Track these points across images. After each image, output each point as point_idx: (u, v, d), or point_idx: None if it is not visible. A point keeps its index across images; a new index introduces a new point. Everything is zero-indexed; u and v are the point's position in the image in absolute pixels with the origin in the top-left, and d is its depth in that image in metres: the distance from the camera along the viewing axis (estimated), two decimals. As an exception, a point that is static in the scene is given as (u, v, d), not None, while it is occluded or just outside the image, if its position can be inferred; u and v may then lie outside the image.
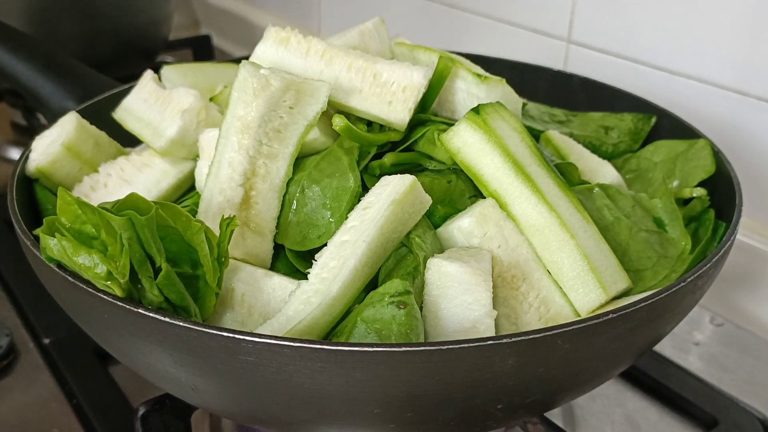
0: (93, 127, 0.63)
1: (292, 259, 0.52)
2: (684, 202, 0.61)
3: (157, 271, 0.45)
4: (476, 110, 0.54)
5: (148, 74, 0.64)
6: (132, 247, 0.44)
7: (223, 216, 0.47)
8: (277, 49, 0.58)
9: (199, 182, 0.58)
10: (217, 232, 0.47)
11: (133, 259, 0.44)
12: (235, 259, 0.51)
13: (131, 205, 0.46)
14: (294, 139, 0.53)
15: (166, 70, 0.70)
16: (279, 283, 0.49)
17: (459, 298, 0.47)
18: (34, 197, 0.60)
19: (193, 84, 0.69)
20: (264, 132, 0.52)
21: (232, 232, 0.47)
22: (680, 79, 0.81)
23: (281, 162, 0.53)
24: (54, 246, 0.45)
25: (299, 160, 0.55)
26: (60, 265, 0.45)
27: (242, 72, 0.53)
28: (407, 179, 0.50)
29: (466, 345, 0.39)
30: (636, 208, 0.57)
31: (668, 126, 0.69)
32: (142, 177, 0.60)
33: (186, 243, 0.46)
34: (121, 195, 0.58)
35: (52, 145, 0.59)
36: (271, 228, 0.53)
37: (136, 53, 1.15)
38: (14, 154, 1.08)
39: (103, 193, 0.59)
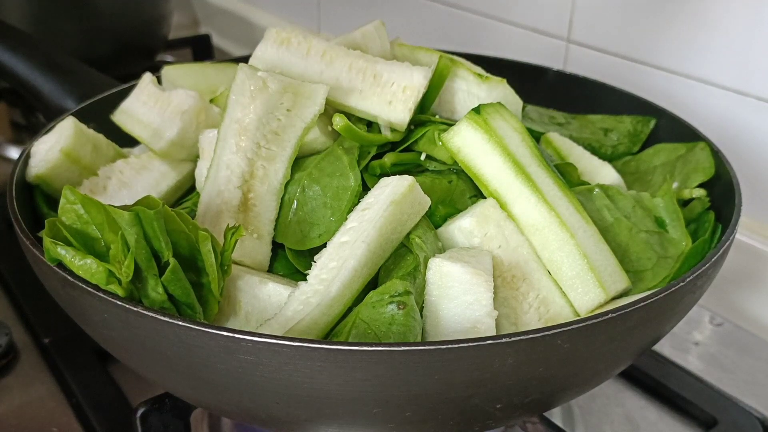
0: (91, 131, 0.63)
1: (292, 258, 0.52)
2: (684, 204, 0.61)
3: (162, 268, 0.45)
4: (477, 110, 0.54)
5: (147, 77, 0.64)
6: (138, 244, 0.44)
7: (228, 225, 0.47)
8: (278, 49, 0.58)
9: (199, 183, 0.58)
10: (216, 234, 0.47)
11: (139, 257, 0.44)
12: (233, 261, 0.51)
13: (141, 204, 0.46)
14: (292, 141, 0.53)
15: (166, 70, 0.70)
16: (274, 290, 0.49)
17: (460, 298, 0.47)
18: (33, 197, 0.60)
19: (194, 84, 0.69)
20: (262, 134, 0.53)
21: (236, 241, 0.47)
22: (680, 79, 0.81)
23: (279, 164, 0.53)
24: (52, 250, 0.45)
25: (300, 160, 0.55)
26: (60, 265, 0.45)
27: (240, 75, 0.53)
28: (406, 180, 0.50)
29: (465, 345, 0.39)
30: (636, 208, 0.57)
31: (668, 126, 0.69)
32: (141, 179, 0.60)
33: (192, 250, 0.46)
34: (120, 197, 0.58)
35: (50, 152, 0.59)
36: (269, 230, 0.53)
37: (135, 52, 1.15)
38: (14, 153, 1.08)
39: (102, 196, 0.59)
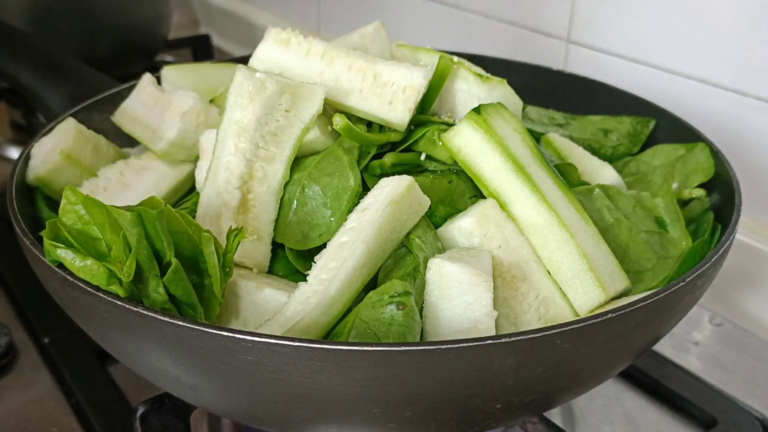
0: (91, 132, 0.63)
1: (292, 259, 0.52)
2: (683, 205, 0.61)
3: (164, 268, 0.45)
4: (477, 110, 0.54)
5: (147, 77, 0.64)
6: (140, 244, 0.44)
7: (230, 227, 0.47)
8: (278, 49, 0.58)
9: (199, 183, 0.58)
10: (215, 235, 0.47)
11: (141, 257, 0.44)
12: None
13: (145, 204, 0.46)
14: (291, 141, 0.53)
15: (166, 71, 0.70)
16: (271, 296, 0.50)
17: (460, 299, 0.47)
18: (33, 197, 0.60)
19: (194, 85, 0.69)
20: (260, 135, 0.53)
21: (238, 243, 0.47)
22: (680, 79, 0.81)
23: (278, 165, 0.53)
24: (53, 252, 0.45)
25: (299, 160, 0.55)
26: (60, 265, 0.45)
27: (238, 76, 0.53)
28: (405, 180, 0.50)
29: (465, 345, 0.39)
30: (636, 208, 0.57)
31: (668, 126, 0.69)
32: (141, 180, 0.60)
33: (194, 251, 0.46)
34: (120, 199, 0.58)
35: (50, 153, 0.59)
36: (269, 231, 0.53)
37: (135, 52, 1.15)
38: (14, 153, 1.08)
39: (102, 197, 0.58)
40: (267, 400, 0.43)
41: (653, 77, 0.83)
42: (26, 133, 1.12)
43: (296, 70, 0.57)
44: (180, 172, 0.61)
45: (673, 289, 0.45)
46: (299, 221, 0.53)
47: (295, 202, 0.53)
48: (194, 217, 0.53)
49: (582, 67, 0.90)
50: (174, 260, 0.45)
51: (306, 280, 0.48)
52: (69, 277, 0.44)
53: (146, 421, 0.59)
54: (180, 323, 0.41)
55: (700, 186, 0.62)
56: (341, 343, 0.39)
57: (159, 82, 0.67)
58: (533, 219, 0.52)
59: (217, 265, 0.46)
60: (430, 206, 0.52)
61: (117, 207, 0.45)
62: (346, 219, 0.50)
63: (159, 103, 0.61)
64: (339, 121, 0.53)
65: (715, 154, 0.62)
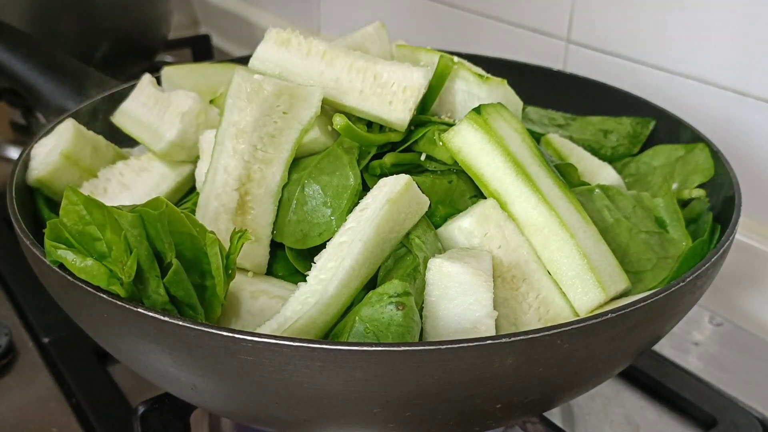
0: (90, 133, 0.63)
1: (292, 259, 0.52)
2: (683, 205, 0.61)
3: (164, 269, 0.45)
4: (477, 110, 0.54)
5: (146, 78, 0.64)
6: (140, 245, 0.44)
7: (234, 230, 0.47)
8: (278, 49, 0.58)
9: (200, 184, 0.58)
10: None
11: (141, 257, 0.44)
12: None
13: (148, 206, 0.46)
14: (289, 143, 0.53)
15: (166, 71, 0.70)
16: (266, 304, 0.50)
17: (460, 299, 0.47)
18: (33, 198, 0.60)
19: (194, 85, 0.69)
20: (258, 137, 0.53)
21: (242, 245, 0.47)
22: (680, 79, 0.81)
23: (276, 167, 0.53)
24: (53, 253, 0.45)
25: (299, 160, 0.55)
26: (61, 265, 0.45)
27: (236, 78, 0.53)
28: (402, 179, 0.50)
29: (465, 345, 0.39)
30: (636, 209, 0.57)
31: (668, 126, 0.69)
32: (141, 181, 0.60)
33: (197, 252, 0.46)
34: (121, 199, 0.58)
35: (50, 155, 0.59)
36: (267, 233, 0.53)
37: (135, 52, 1.15)
38: (14, 153, 1.08)
39: (102, 198, 0.59)
40: (267, 400, 0.43)
41: (653, 77, 0.83)
42: (26, 133, 1.12)
43: (296, 70, 0.57)
44: (180, 173, 0.61)
45: (673, 289, 0.45)
46: (299, 220, 0.53)
47: (295, 201, 0.53)
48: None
49: (582, 67, 0.90)
50: (175, 261, 0.45)
51: (306, 281, 0.48)
52: (69, 278, 0.44)
53: (146, 421, 0.59)
54: (180, 323, 0.41)
55: (699, 186, 0.62)
56: (341, 343, 0.39)
57: (159, 82, 0.67)
58: (533, 219, 0.52)
59: (221, 266, 0.46)
60: (430, 206, 0.52)
61: (118, 207, 0.45)
62: (346, 219, 0.50)
63: (159, 103, 0.61)
64: (339, 121, 0.53)
65: (715, 154, 0.62)
